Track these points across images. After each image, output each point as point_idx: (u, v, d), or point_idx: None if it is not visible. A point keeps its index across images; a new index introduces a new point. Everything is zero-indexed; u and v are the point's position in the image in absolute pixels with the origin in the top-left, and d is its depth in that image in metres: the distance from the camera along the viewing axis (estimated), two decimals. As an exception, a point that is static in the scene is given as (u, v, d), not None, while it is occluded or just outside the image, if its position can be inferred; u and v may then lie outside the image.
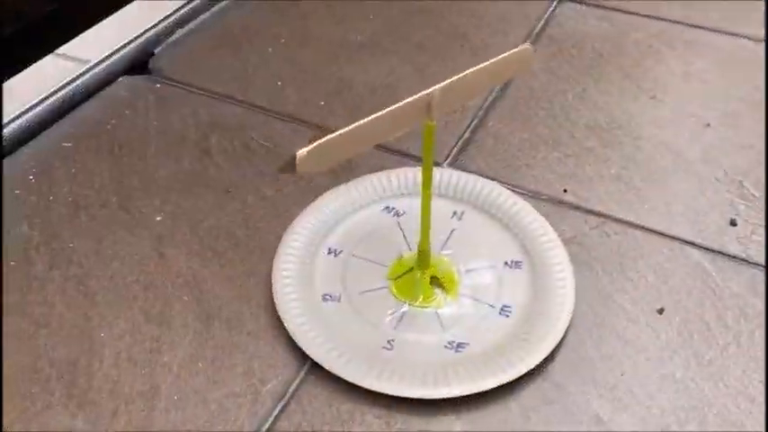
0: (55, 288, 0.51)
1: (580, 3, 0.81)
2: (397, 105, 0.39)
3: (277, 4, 0.81)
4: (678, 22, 0.78)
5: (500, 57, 0.42)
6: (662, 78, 0.71)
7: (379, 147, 0.62)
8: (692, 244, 0.54)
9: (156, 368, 0.46)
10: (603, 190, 0.59)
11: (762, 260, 0.53)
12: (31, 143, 0.64)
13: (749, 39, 0.75)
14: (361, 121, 0.38)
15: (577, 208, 0.57)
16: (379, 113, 0.39)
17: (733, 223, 0.56)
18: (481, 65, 0.42)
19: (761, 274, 0.52)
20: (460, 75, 0.41)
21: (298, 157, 0.36)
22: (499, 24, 0.78)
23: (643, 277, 0.52)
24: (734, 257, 0.53)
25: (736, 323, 0.49)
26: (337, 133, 0.38)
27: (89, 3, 0.79)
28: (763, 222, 0.56)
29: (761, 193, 0.58)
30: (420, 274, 0.50)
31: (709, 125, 0.65)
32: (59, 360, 0.47)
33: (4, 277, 0.52)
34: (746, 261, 0.53)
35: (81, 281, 0.52)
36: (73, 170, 0.61)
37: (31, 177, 0.60)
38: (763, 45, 0.74)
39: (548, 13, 0.80)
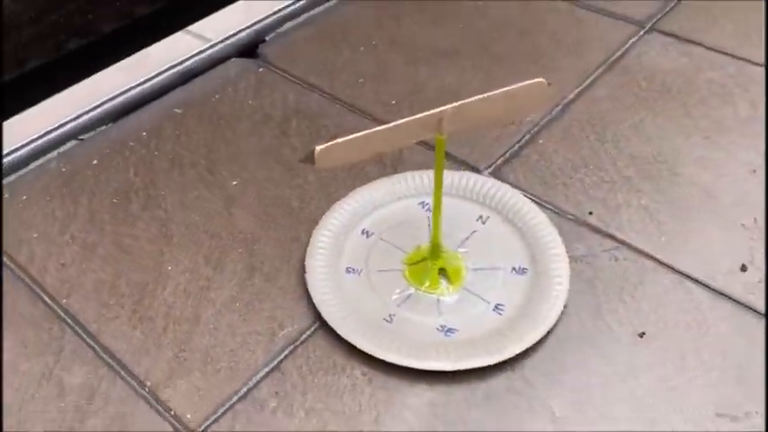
0: (143, 225, 0.64)
1: (667, 35, 0.83)
2: (411, 118, 0.47)
3: (379, 8, 0.90)
4: (761, 65, 0.78)
5: (512, 87, 0.48)
6: (723, 120, 0.72)
7: (427, 146, 0.69)
8: (696, 281, 0.58)
9: (202, 301, 0.57)
10: (627, 218, 0.63)
11: (761, 308, 0.55)
12: (151, 104, 0.77)
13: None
14: (378, 128, 0.46)
15: (597, 231, 0.62)
16: (395, 123, 0.47)
17: (743, 269, 0.58)
18: (494, 92, 0.48)
19: (754, 321, 0.55)
20: (473, 98, 0.48)
21: (316, 151, 0.45)
22: (578, 47, 0.82)
23: (636, 302, 0.56)
24: (733, 300, 0.56)
25: (711, 359, 0.52)
26: (353, 135, 0.46)
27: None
28: (774, 272, 0.58)
29: (785, 245, 0.60)
30: (431, 263, 0.57)
31: (755, 171, 0.66)
32: (133, 282, 0.59)
33: (106, 211, 0.65)
34: (744, 306, 0.56)
35: (164, 223, 0.64)
36: (177, 132, 0.73)
37: (144, 133, 0.73)
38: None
39: (629, 42, 0.83)
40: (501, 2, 0.89)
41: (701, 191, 0.65)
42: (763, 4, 0.86)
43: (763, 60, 0.79)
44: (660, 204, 0.64)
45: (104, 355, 0.54)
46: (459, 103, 0.48)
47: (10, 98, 0.70)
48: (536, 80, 0.49)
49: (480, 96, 0.48)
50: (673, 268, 0.59)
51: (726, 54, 0.80)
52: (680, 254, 0.60)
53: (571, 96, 0.76)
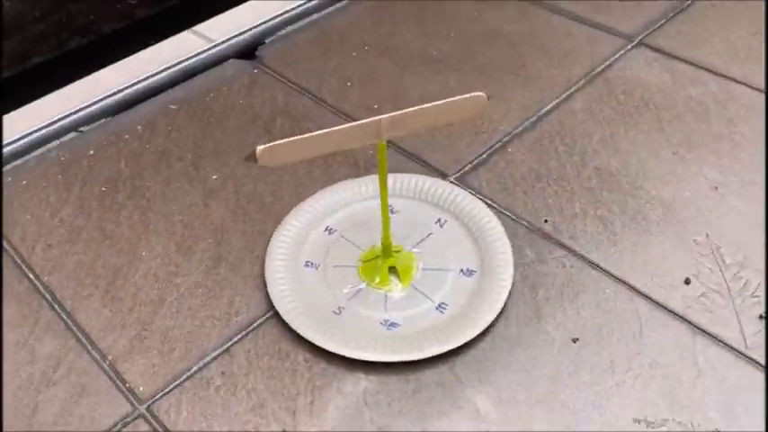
0: (126, 213, 0.69)
1: (653, 50, 0.85)
2: (352, 124, 0.50)
3: (380, 12, 0.93)
4: (744, 84, 0.79)
5: (451, 99, 0.51)
6: (695, 136, 0.73)
7: (397, 150, 0.72)
8: (638, 292, 0.59)
9: (168, 286, 0.62)
10: (581, 228, 0.65)
11: (697, 321, 0.57)
12: (150, 100, 0.82)
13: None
14: (320, 131, 0.50)
15: (549, 238, 0.64)
16: (337, 128, 0.50)
17: (687, 282, 0.60)
18: (433, 103, 0.51)
19: (689, 333, 0.56)
20: (412, 108, 0.51)
21: (258, 150, 0.48)
22: (564, 59, 0.84)
23: (575, 308, 0.58)
24: (670, 312, 0.58)
25: (639, 367, 0.54)
26: (296, 137, 0.49)
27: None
28: (716, 288, 0.59)
29: (732, 262, 0.61)
30: (381, 261, 0.61)
31: (716, 188, 0.68)
32: (109, 264, 0.64)
33: (95, 198, 0.70)
34: (680, 317, 0.57)
35: (144, 212, 0.69)
36: (169, 128, 0.78)
37: (139, 127, 0.78)
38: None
39: (615, 55, 0.84)
40: (496, 12, 0.92)
41: (660, 205, 0.67)
42: (762, 23, 0.86)
43: (747, 79, 0.79)
44: (615, 216, 0.66)
45: (75, 329, 0.59)
46: (399, 112, 0.51)
47: (12, 92, 0.76)
48: (475, 93, 0.52)
49: (419, 107, 0.51)
50: (617, 278, 0.60)
51: (710, 72, 0.81)
52: (627, 264, 0.61)
53: (548, 107, 0.78)
